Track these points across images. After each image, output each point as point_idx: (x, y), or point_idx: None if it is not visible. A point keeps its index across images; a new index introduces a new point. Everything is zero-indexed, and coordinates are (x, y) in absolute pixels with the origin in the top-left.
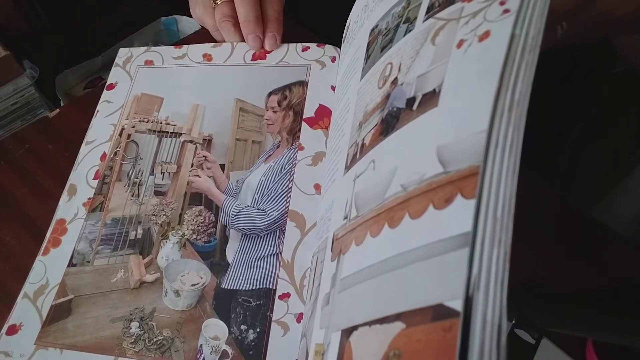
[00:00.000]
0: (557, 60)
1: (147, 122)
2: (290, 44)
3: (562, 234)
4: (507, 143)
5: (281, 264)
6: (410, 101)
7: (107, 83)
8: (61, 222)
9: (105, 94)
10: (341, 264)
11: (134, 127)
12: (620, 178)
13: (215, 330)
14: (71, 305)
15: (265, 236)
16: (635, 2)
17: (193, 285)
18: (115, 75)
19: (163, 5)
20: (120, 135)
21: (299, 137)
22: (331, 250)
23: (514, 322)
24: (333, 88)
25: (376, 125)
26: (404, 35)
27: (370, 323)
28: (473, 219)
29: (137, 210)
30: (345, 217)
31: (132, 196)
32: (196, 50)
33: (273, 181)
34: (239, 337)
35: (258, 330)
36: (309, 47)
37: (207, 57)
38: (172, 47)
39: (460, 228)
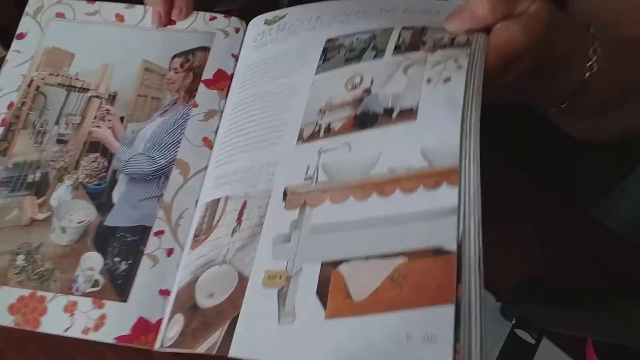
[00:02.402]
0: None
1: (57, 76)
2: (199, 12)
3: (562, 234)
4: (472, 151)
5: (161, 205)
6: (389, 110)
7: (17, 32)
8: None
9: (15, 43)
10: (309, 213)
11: (43, 79)
12: (620, 178)
13: (92, 262)
14: None
15: (151, 180)
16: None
17: (79, 222)
18: (25, 24)
19: None
20: (29, 86)
21: (194, 95)
22: (284, 200)
23: (514, 322)
24: (234, 56)
25: (348, 117)
26: (374, 58)
27: (366, 258)
28: (457, 198)
29: (38, 157)
30: (309, 179)
31: (35, 143)
32: (109, 8)
33: (165, 133)
34: (112, 268)
35: (130, 262)
36: (215, 17)
37: (120, 18)
38: (85, 1)
39: (450, 203)
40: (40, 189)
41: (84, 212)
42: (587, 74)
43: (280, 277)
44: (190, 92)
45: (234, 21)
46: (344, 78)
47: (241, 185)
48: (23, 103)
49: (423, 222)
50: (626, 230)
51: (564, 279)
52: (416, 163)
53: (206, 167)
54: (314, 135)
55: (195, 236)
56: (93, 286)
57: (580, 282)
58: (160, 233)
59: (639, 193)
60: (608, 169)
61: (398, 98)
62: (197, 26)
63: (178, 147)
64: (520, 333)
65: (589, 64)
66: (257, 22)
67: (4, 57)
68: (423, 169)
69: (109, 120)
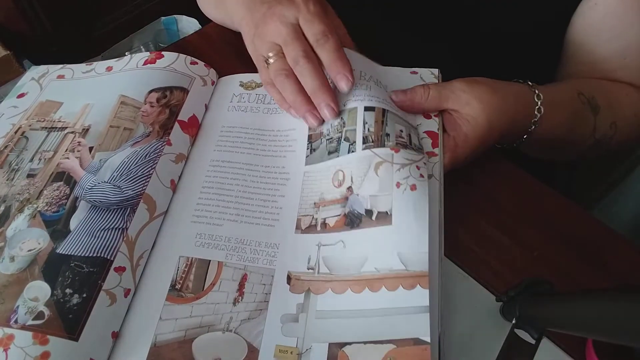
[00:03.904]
0: None
1: (43, 121)
2: (180, 55)
3: (563, 234)
4: (436, 254)
5: (125, 239)
6: (369, 212)
7: (19, 92)
8: None
9: (15, 101)
10: (314, 299)
11: (30, 125)
12: (621, 178)
13: (36, 291)
14: None
15: (116, 210)
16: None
17: (30, 250)
18: (28, 86)
19: (163, 5)
20: (15, 132)
21: (169, 133)
22: (288, 284)
23: (514, 322)
24: (205, 106)
25: (339, 215)
26: (348, 152)
27: (365, 342)
28: (428, 299)
29: (6, 191)
30: (311, 269)
31: (7, 180)
32: (102, 64)
33: (135, 164)
34: (61, 300)
35: (84, 295)
36: (197, 63)
37: (109, 69)
38: (85, 64)
39: (423, 302)
40: (1, 221)
41: (36, 240)
42: (533, 127)
43: (291, 353)
44: (165, 129)
45: (212, 73)
46: (330, 174)
47: (238, 256)
48: (6, 146)
49: (404, 316)
50: (626, 229)
51: (564, 279)
52: (395, 265)
53: (167, 211)
54: (311, 228)
55: (177, 290)
56: (35, 318)
57: (580, 282)
58: (121, 270)
59: (639, 193)
60: (608, 169)
61: (375, 201)
62: (177, 67)
63: (147, 181)
64: (520, 333)
65: (533, 120)
66: (231, 81)
67: (4, 56)
68: (401, 271)
69: (78, 152)
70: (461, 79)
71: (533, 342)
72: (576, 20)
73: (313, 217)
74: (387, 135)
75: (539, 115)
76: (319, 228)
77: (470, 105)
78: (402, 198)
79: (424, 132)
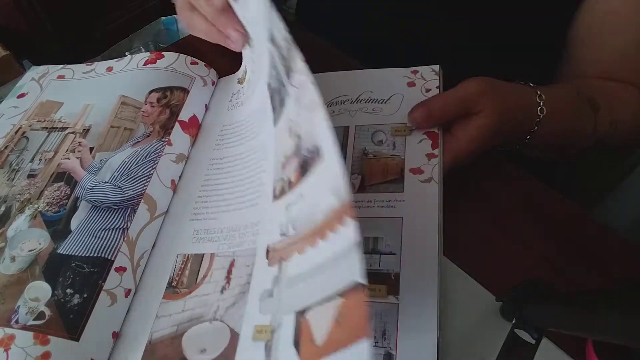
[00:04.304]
0: None
1: (43, 122)
2: (181, 55)
3: (562, 234)
4: (435, 255)
5: (125, 239)
6: (315, 150)
7: (19, 92)
8: None
9: (15, 101)
10: (285, 268)
11: (30, 126)
12: (621, 178)
13: (37, 292)
14: None
15: (116, 210)
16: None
17: (30, 250)
18: (28, 86)
19: (163, 5)
20: (16, 132)
21: (170, 133)
22: (267, 258)
23: (514, 322)
24: (206, 106)
25: (297, 167)
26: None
27: (321, 302)
28: (359, 234)
29: (7, 192)
30: (283, 234)
31: (8, 180)
32: (103, 65)
33: (136, 164)
34: (62, 300)
35: (85, 296)
36: (197, 63)
37: (109, 69)
38: (85, 64)
39: (355, 238)
40: (1, 221)
41: (36, 240)
42: (535, 127)
43: (266, 331)
44: (166, 129)
45: (212, 74)
46: (287, 127)
47: (227, 244)
48: (6, 147)
49: (340, 261)
50: (626, 229)
51: (564, 279)
52: (331, 203)
53: (167, 212)
54: (283, 191)
55: (173, 287)
56: (36, 318)
57: (581, 282)
58: (122, 270)
59: (639, 193)
60: (608, 169)
61: (309, 136)
62: (177, 67)
63: (148, 181)
64: (520, 333)
65: (536, 120)
66: (231, 80)
67: (4, 56)
68: (336, 208)
69: (79, 152)
70: (474, 79)
71: (533, 342)
72: (578, 19)
73: (283, 180)
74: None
75: (541, 115)
76: (287, 189)
77: (488, 108)
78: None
79: (423, 132)
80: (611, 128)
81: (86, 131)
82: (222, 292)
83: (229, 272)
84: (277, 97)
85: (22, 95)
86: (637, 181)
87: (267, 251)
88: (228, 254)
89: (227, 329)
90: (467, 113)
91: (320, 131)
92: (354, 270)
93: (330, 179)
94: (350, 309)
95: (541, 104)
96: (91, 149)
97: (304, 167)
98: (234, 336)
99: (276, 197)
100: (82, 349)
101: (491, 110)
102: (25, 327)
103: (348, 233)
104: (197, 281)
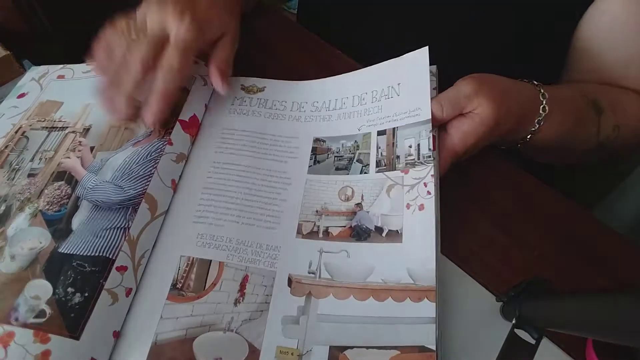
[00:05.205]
0: None
1: (44, 121)
2: None
3: (562, 234)
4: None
5: (126, 238)
6: (379, 229)
7: (19, 92)
8: None
9: (15, 101)
10: (315, 303)
11: (30, 125)
12: (621, 178)
13: (37, 290)
14: None
15: (118, 210)
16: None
17: (31, 249)
18: (28, 86)
19: None
20: (16, 132)
21: (170, 132)
22: (289, 286)
23: (514, 322)
24: (205, 106)
25: (344, 227)
26: (360, 172)
27: (367, 347)
28: (435, 311)
29: (7, 191)
30: (312, 273)
31: (8, 180)
32: None
33: (136, 163)
34: (63, 299)
35: (86, 294)
36: (197, 62)
37: None
38: (85, 64)
39: (430, 314)
40: (1, 220)
41: (37, 239)
42: (537, 126)
43: (292, 354)
44: (166, 128)
45: None
46: (337, 187)
47: (239, 257)
48: (7, 146)
49: (410, 325)
50: (626, 230)
51: (564, 279)
52: (403, 279)
53: (167, 211)
54: (312, 234)
55: (178, 289)
56: (37, 317)
57: (581, 282)
58: (123, 269)
59: (639, 193)
60: (608, 169)
61: (386, 220)
62: None
63: (149, 180)
64: (520, 333)
65: (538, 119)
66: (232, 82)
67: (4, 56)
68: (409, 285)
69: (79, 151)
70: (469, 77)
71: (533, 342)
72: (582, 26)
73: (315, 224)
74: (398, 157)
75: (543, 114)
76: (321, 235)
77: (482, 106)
78: (411, 218)
79: None
80: (614, 132)
81: (86, 131)
82: (235, 304)
83: (243, 285)
84: (333, 160)
85: (22, 95)
86: (637, 181)
87: (290, 280)
88: (240, 267)
89: (245, 342)
90: (462, 113)
91: (411, 223)
92: (426, 337)
93: (408, 262)
94: None
95: (544, 102)
96: (92, 148)
97: (359, 234)
98: (254, 351)
99: (302, 235)
100: (82, 347)
101: (486, 107)
102: (25, 325)
103: (425, 310)
104: (206, 287)
